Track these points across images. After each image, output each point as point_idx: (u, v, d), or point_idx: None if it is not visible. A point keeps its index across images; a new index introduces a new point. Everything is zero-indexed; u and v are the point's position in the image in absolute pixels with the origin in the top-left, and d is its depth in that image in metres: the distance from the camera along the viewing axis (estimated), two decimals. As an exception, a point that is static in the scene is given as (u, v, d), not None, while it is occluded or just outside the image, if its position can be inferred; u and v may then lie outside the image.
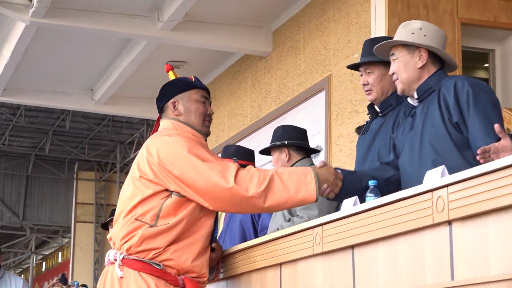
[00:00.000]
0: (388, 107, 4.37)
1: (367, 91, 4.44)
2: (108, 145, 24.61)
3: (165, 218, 3.77)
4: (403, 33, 3.99)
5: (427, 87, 3.94)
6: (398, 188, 3.80)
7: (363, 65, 4.44)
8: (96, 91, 12.76)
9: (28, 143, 24.69)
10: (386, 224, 3.04)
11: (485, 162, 3.40)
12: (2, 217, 27.38)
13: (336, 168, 3.94)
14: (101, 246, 26.67)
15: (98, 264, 26.25)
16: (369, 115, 4.64)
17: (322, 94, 9.15)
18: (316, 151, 6.02)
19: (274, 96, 10.40)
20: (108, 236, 4.02)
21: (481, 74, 9.58)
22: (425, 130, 3.87)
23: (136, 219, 3.78)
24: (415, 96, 3.98)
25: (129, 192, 3.88)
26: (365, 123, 4.67)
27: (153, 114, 13.67)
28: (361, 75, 4.54)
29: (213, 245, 4.01)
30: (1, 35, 11.05)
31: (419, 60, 3.95)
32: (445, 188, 2.75)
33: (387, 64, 4.16)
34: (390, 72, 4.04)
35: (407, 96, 4.06)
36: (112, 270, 3.83)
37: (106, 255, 3.92)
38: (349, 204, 3.48)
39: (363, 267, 3.22)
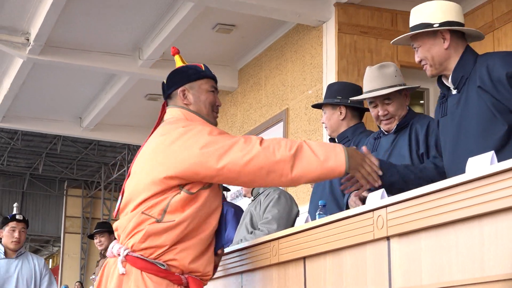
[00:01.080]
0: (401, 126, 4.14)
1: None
2: (94, 166, 24.46)
3: (171, 214, 3.22)
4: (386, 78, 4.05)
5: (404, 123, 4.06)
6: None
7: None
8: (84, 119, 12.68)
9: (24, 163, 24.49)
10: (333, 238, 3.04)
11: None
12: (0, 228, 27.06)
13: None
14: (87, 255, 26.49)
15: (84, 270, 26.06)
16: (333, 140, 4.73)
17: (280, 125, 9.16)
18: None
19: (239, 126, 10.40)
20: (114, 226, 3.42)
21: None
22: (391, 157, 3.94)
23: (143, 212, 3.24)
24: (394, 128, 4.07)
25: (142, 183, 3.30)
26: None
27: (133, 140, 13.62)
28: (324, 112, 4.66)
29: (219, 251, 3.46)
30: (1, 70, 10.95)
31: (406, 98, 4.16)
32: (385, 208, 2.76)
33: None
34: (382, 113, 4.08)
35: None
36: (113, 263, 3.31)
37: (110, 246, 3.37)
38: (302, 221, 3.50)
39: (313, 276, 3.21)
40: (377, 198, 2.91)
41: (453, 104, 3.46)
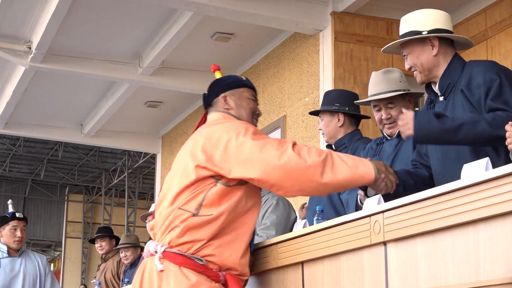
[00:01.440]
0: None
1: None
2: (94, 172, 24.43)
3: (208, 208, 3.18)
4: (391, 83, 4.07)
5: None
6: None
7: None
8: (85, 125, 12.67)
9: (26, 169, 24.45)
10: (331, 243, 3.04)
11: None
12: (2, 233, 27.01)
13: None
14: (87, 259, 26.43)
15: (85, 274, 26.01)
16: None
17: (278, 131, 9.16)
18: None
19: (237, 132, 10.40)
20: (149, 226, 3.40)
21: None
22: (397, 157, 3.93)
23: (179, 208, 3.20)
24: (397, 132, 4.05)
25: (177, 176, 3.31)
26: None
27: (133, 146, 13.62)
28: (322, 119, 4.69)
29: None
30: (3, 77, 10.94)
31: (410, 103, 4.09)
32: (381, 214, 2.75)
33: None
34: (385, 116, 4.09)
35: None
36: (151, 262, 3.24)
37: (146, 246, 3.32)
38: (300, 226, 3.49)
39: (311, 280, 3.20)
40: (374, 203, 2.90)
41: (440, 111, 3.46)
